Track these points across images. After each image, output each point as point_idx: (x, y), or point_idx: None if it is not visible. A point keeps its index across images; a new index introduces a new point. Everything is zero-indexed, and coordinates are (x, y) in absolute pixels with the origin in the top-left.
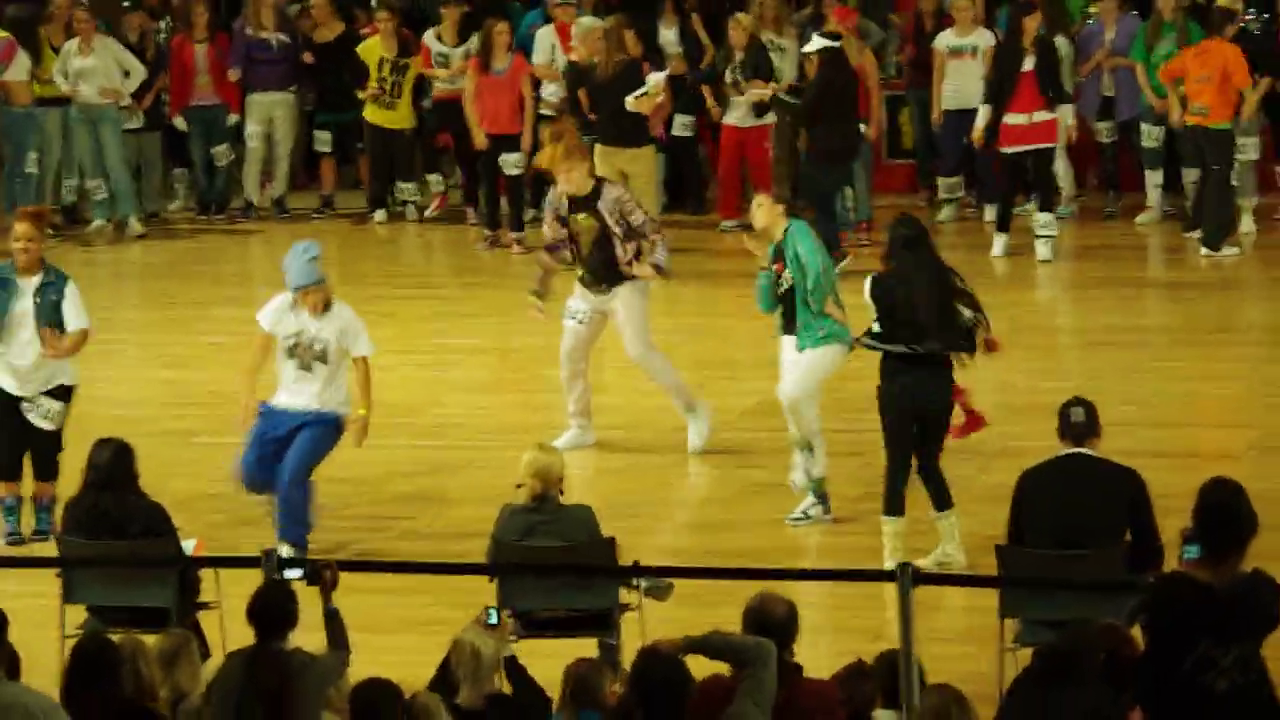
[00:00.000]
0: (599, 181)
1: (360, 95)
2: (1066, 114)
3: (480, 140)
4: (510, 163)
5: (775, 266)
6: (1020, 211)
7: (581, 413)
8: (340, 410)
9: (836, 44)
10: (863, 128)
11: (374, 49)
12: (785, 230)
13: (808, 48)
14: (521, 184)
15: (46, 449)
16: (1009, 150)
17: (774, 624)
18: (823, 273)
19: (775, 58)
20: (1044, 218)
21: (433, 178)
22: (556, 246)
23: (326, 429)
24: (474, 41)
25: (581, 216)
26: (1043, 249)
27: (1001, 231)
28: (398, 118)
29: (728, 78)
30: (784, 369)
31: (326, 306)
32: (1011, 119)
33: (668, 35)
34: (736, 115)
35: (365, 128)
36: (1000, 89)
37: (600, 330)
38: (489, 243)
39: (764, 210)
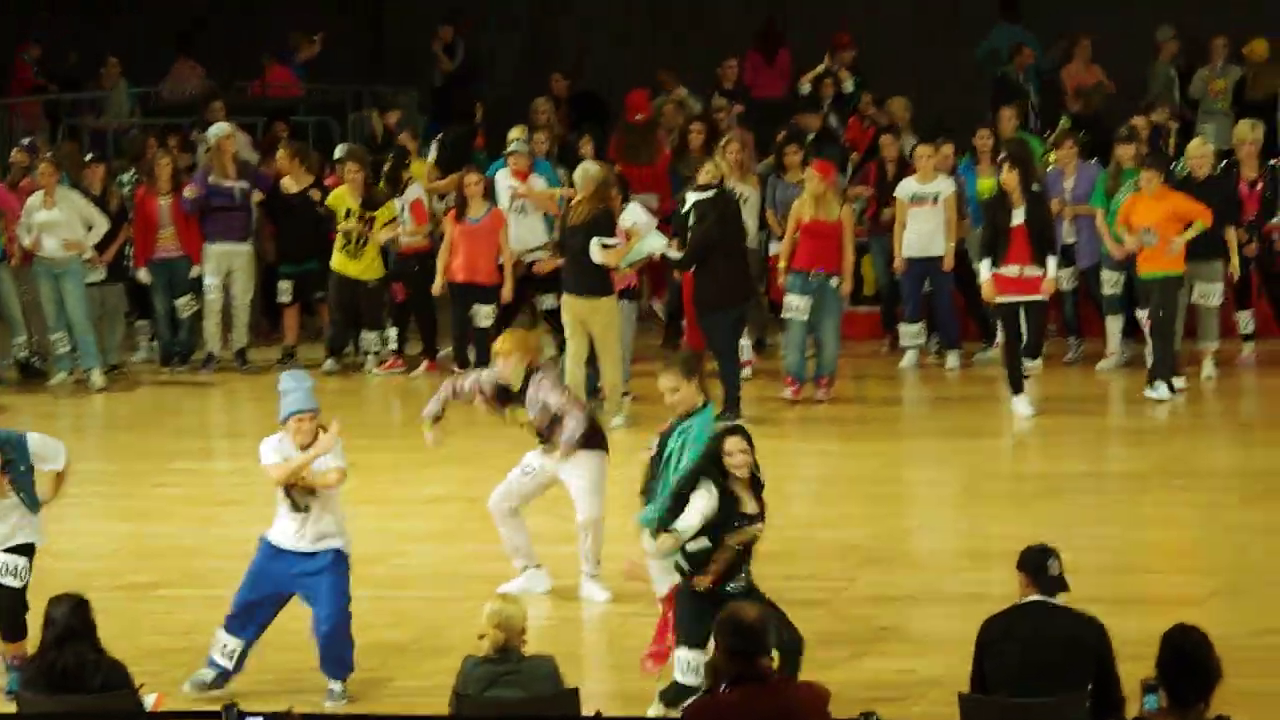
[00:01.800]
0: (529, 374)
1: (332, 240)
2: (1051, 266)
3: (438, 287)
4: (481, 315)
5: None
6: (978, 359)
7: (522, 553)
8: (337, 542)
9: (712, 194)
10: (834, 281)
11: (342, 198)
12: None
13: (684, 207)
14: (492, 336)
15: (9, 607)
16: (1003, 300)
17: (744, 628)
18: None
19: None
20: (1033, 364)
21: (390, 332)
22: (460, 394)
23: (338, 568)
24: (412, 193)
25: (513, 410)
26: (1021, 405)
27: (1018, 393)
28: (362, 267)
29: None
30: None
31: (313, 439)
32: (1004, 270)
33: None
34: None
35: (331, 276)
36: (994, 244)
37: (545, 489)
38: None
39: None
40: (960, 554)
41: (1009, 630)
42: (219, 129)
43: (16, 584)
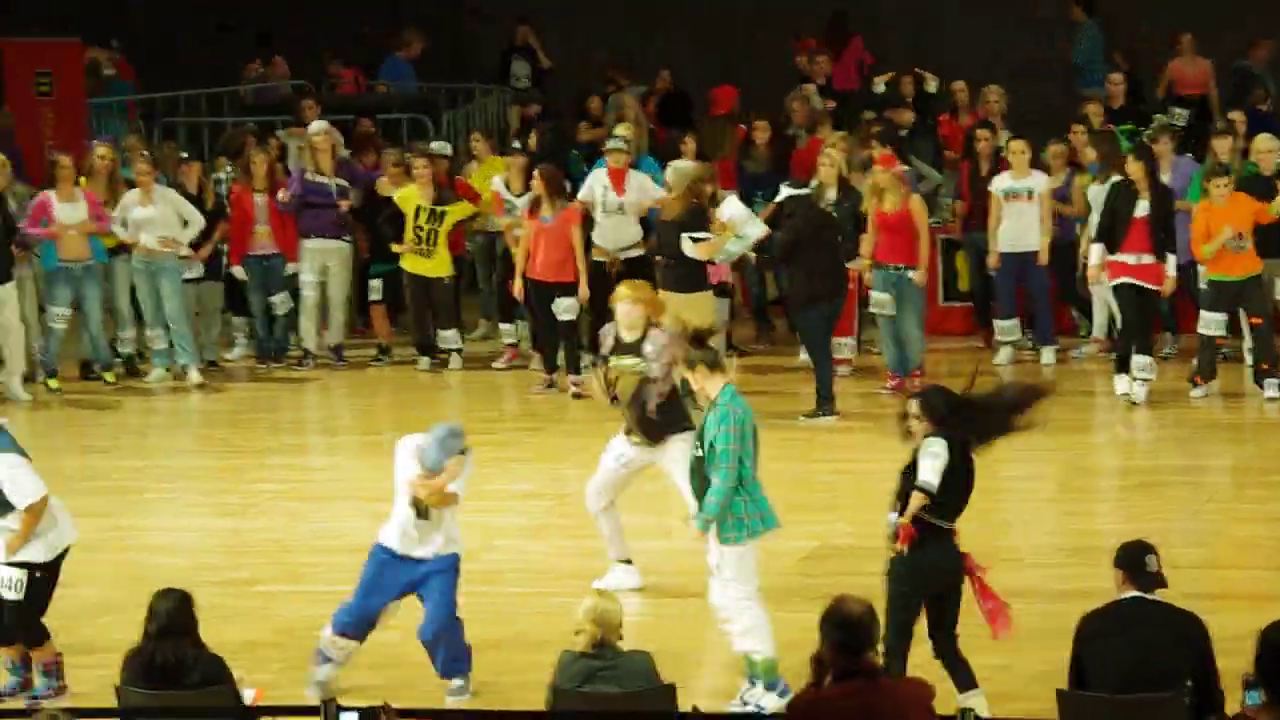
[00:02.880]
0: (649, 328)
1: (396, 249)
2: (1170, 264)
3: (517, 289)
4: (562, 308)
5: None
6: (1075, 354)
7: (616, 546)
8: (456, 549)
9: (805, 191)
10: (912, 273)
11: (411, 197)
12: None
13: (779, 197)
14: (575, 328)
15: (16, 619)
16: (1115, 281)
17: (850, 622)
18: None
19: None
20: (1141, 360)
21: (505, 328)
22: None
23: (451, 572)
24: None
25: (619, 358)
26: (1139, 391)
27: (1124, 370)
28: (435, 265)
29: None
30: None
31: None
32: (1120, 257)
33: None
34: None
35: (404, 277)
36: (1112, 231)
37: (636, 477)
38: (545, 386)
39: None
40: (1057, 549)
41: (1107, 626)
42: (317, 127)
43: (14, 596)
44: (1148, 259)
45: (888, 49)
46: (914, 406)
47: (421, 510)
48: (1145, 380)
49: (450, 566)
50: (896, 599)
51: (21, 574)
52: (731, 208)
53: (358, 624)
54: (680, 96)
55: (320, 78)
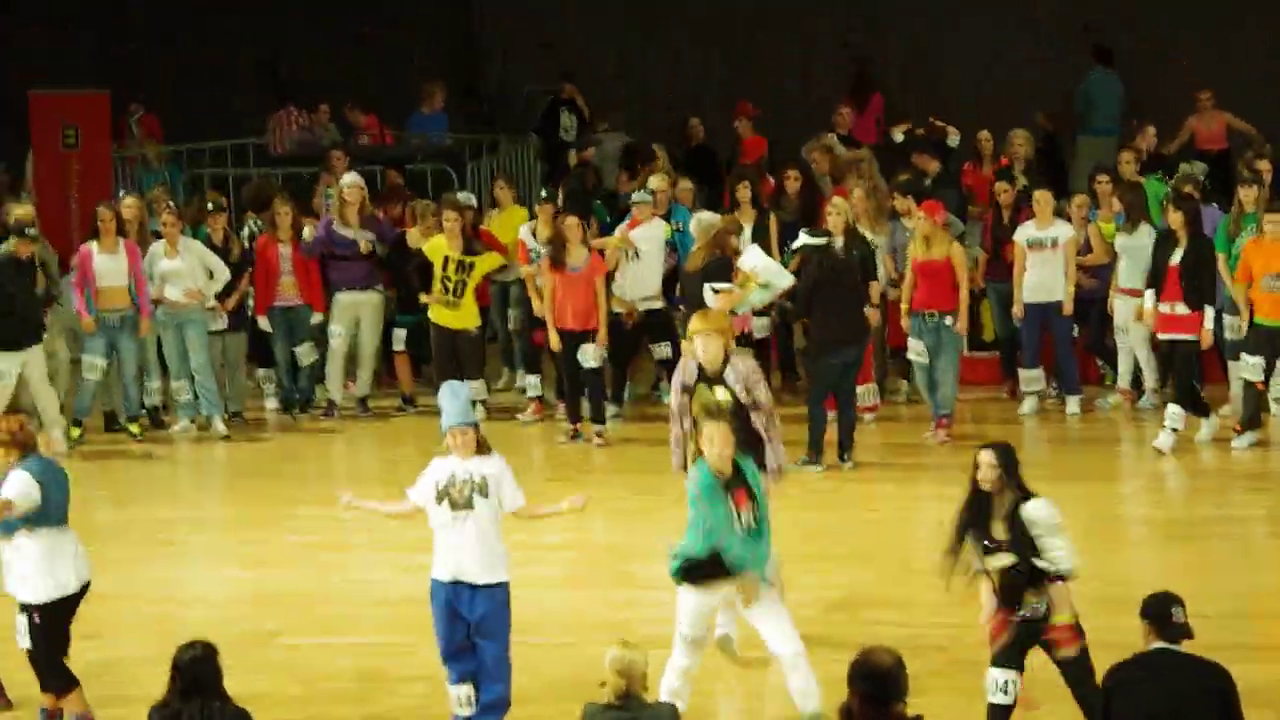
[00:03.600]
0: (728, 357)
1: (424, 299)
2: (1206, 316)
3: (554, 341)
4: (589, 356)
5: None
6: (1100, 404)
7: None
8: (504, 571)
9: (822, 241)
10: (949, 320)
11: (439, 247)
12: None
13: (795, 245)
14: (600, 377)
15: (35, 664)
16: (1160, 336)
17: (879, 674)
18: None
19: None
20: (1174, 410)
21: (531, 380)
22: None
23: (504, 606)
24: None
25: (703, 389)
26: (1164, 439)
27: (1200, 415)
28: (462, 317)
29: None
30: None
31: (478, 452)
32: (1161, 307)
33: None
34: None
35: (431, 328)
36: (1155, 277)
37: None
38: (570, 436)
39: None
40: (1084, 600)
41: (1134, 677)
42: (350, 180)
43: (23, 643)
44: (1181, 309)
45: (887, 48)
46: (989, 456)
47: (456, 501)
48: (1175, 430)
49: (501, 603)
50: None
51: (23, 618)
52: (754, 258)
53: (454, 667)
54: (708, 150)
55: (341, 126)
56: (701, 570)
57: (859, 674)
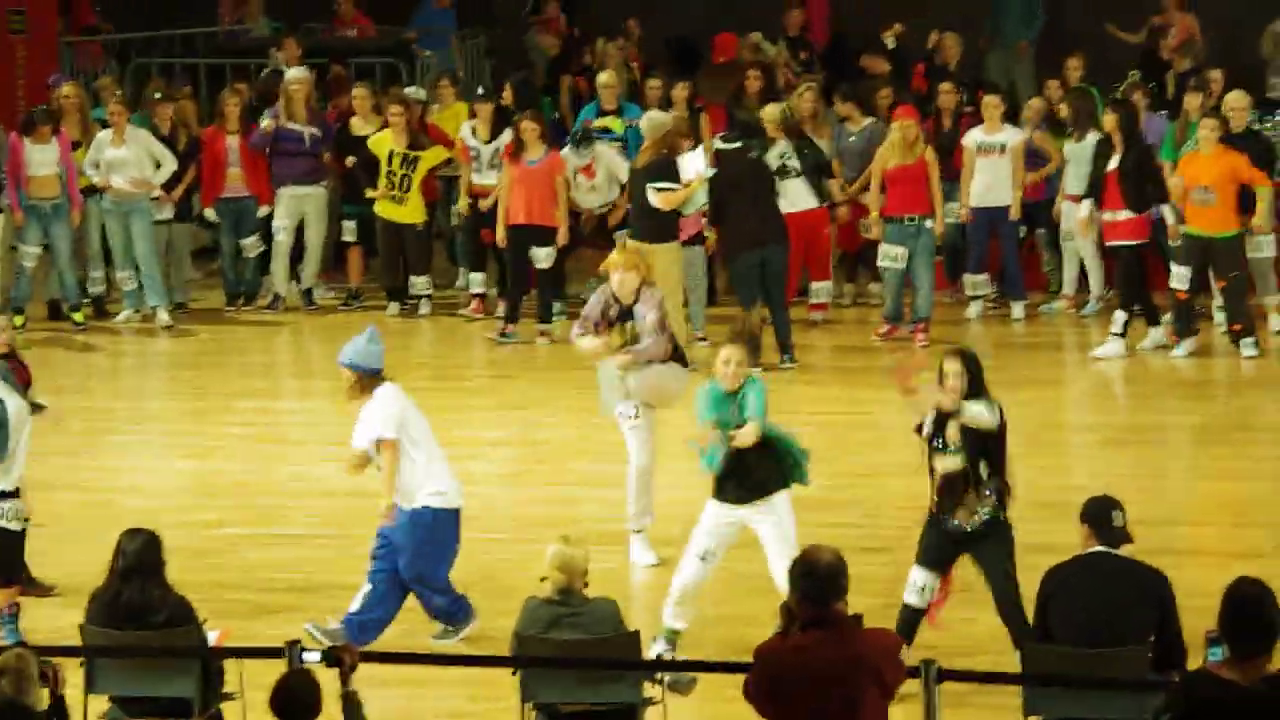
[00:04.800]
0: (640, 291)
1: (369, 194)
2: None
3: (500, 236)
4: (540, 256)
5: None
6: (1044, 309)
7: (644, 514)
8: (416, 500)
9: (734, 145)
10: (929, 223)
11: (384, 141)
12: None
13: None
14: (551, 277)
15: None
16: (1108, 244)
17: (819, 572)
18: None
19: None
20: (1118, 315)
21: (475, 276)
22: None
23: (411, 529)
24: (507, 135)
25: (621, 327)
26: (1107, 347)
27: (1150, 323)
28: (408, 212)
29: (773, 163)
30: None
31: (360, 391)
32: (1106, 215)
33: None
34: (788, 201)
35: (377, 222)
36: (1093, 185)
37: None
38: (500, 334)
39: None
40: (1023, 504)
41: (1072, 581)
42: (295, 74)
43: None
44: (1122, 215)
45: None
46: (955, 364)
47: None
48: (1118, 336)
49: (407, 521)
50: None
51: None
52: (694, 164)
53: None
54: (686, 43)
55: (295, 20)
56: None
57: (799, 572)
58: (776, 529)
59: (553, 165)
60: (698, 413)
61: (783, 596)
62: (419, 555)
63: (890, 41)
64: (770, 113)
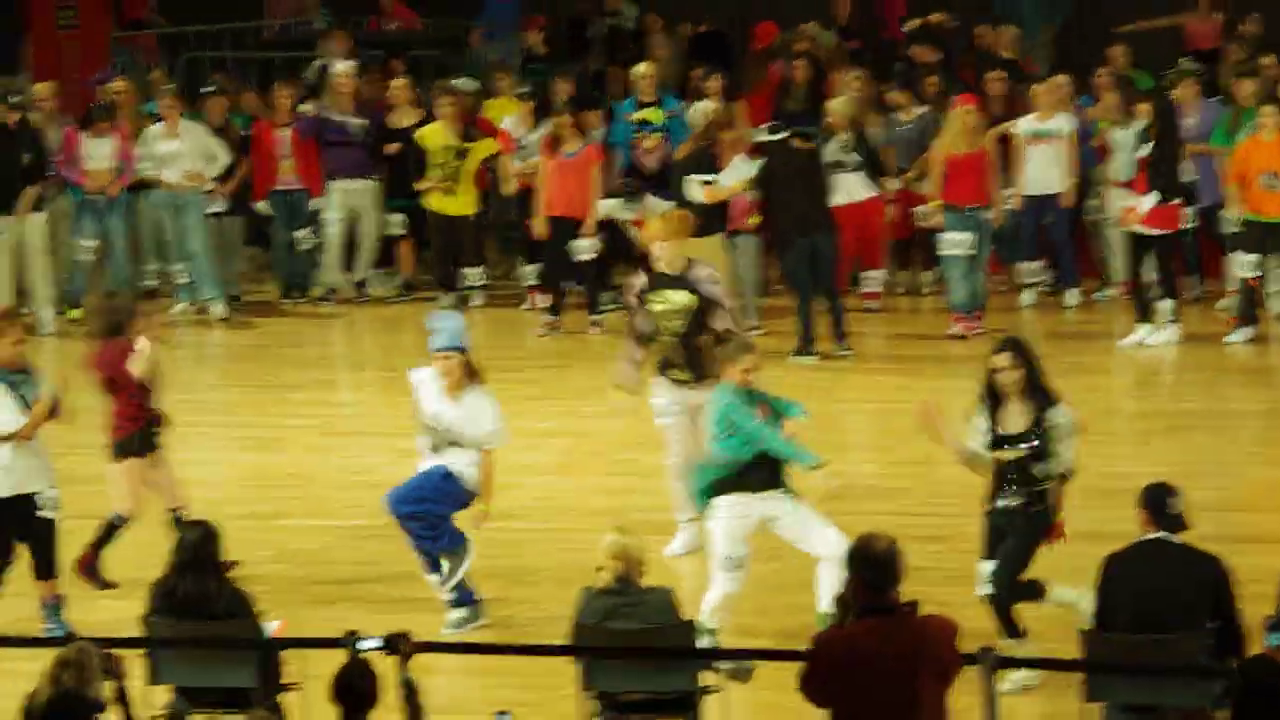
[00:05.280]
0: (690, 261)
1: (419, 186)
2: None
3: (539, 228)
4: (580, 249)
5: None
6: (1098, 296)
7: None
8: (452, 466)
9: (778, 136)
10: (988, 214)
11: (435, 134)
12: None
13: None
14: (596, 267)
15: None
16: (1127, 230)
17: (876, 559)
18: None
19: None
20: (1164, 305)
21: (528, 269)
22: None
23: (429, 477)
24: (548, 126)
25: (662, 293)
26: (1158, 334)
27: (1140, 321)
28: (459, 204)
29: (832, 156)
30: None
31: (461, 389)
32: (1144, 202)
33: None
34: (845, 193)
35: (428, 215)
36: (1134, 173)
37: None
38: (549, 328)
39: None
40: (1080, 491)
41: (1130, 567)
42: (342, 67)
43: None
44: (1147, 202)
45: None
46: (1004, 359)
47: (436, 444)
48: (1172, 323)
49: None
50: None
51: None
52: (738, 172)
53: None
54: (715, 34)
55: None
56: (728, 484)
57: (857, 559)
58: (797, 512)
59: (589, 157)
60: (724, 415)
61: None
62: (439, 500)
63: (912, 25)
64: (839, 106)
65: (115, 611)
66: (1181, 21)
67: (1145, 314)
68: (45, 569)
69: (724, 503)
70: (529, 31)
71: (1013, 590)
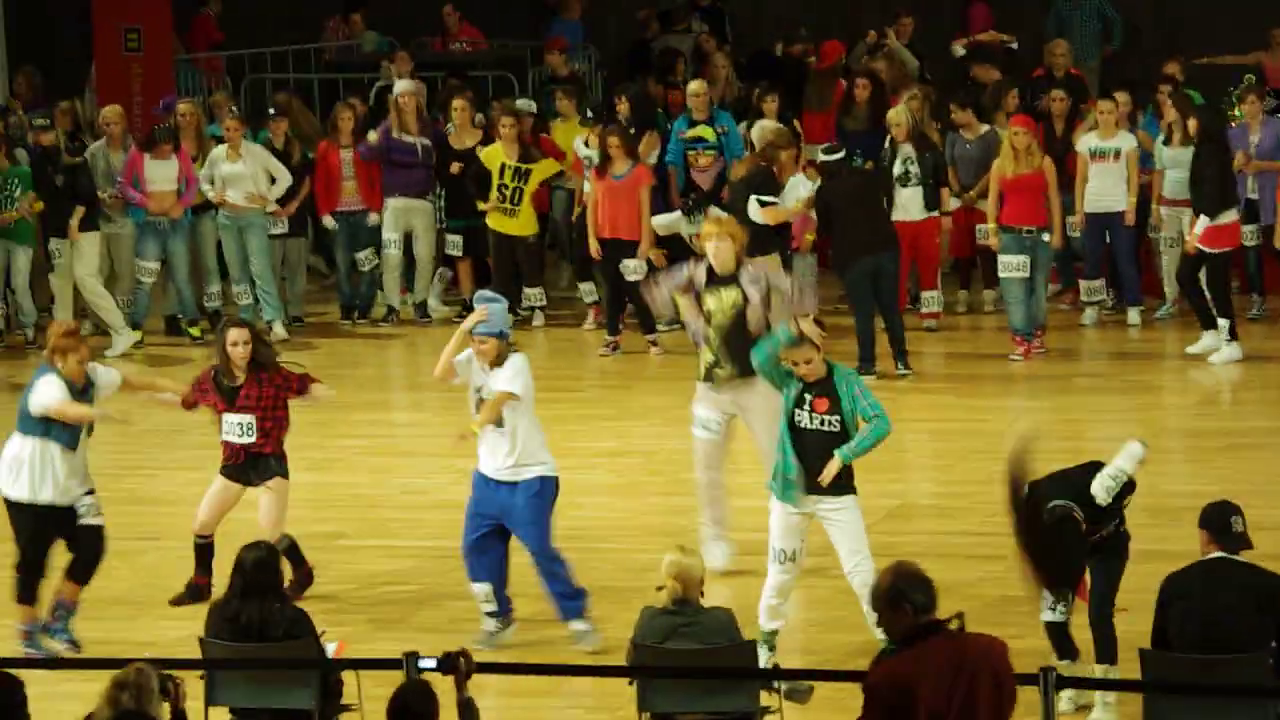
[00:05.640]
0: (741, 261)
1: (482, 207)
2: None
3: (594, 248)
4: (630, 269)
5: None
6: (1161, 314)
7: (719, 521)
8: (539, 469)
9: (836, 156)
10: (1046, 236)
11: (496, 155)
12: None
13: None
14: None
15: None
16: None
17: (925, 580)
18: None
19: (915, 165)
20: (1221, 323)
21: (584, 287)
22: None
23: (535, 497)
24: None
25: (717, 291)
26: (1218, 353)
27: (1206, 328)
28: (520, 224)
29: (897, 169)
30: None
31: (500, 361)
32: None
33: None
34: (901, 209)
35: (489, 235)
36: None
37: (732, 434)
38: (610, 348)
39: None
40: (1141, 510)
41: (1191, 587)
42: (403, 86)
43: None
44: (1200, 223)
45: None
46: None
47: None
48: (1228, 341)
49: (538, 490)
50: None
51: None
52: (800, 189)
53: (472, 564)
54: (767, 53)
55: (408, 35)
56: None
57: (901, 586)
58: (848, 528)
59: (638, 179)
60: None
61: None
62: (542, 527)
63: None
64: (896, 117)
65: (173, 631)
66: (1256, 60)
67: (1208, 320)
68: (83, 574)
69: (779, 503)
70: (550, 54)
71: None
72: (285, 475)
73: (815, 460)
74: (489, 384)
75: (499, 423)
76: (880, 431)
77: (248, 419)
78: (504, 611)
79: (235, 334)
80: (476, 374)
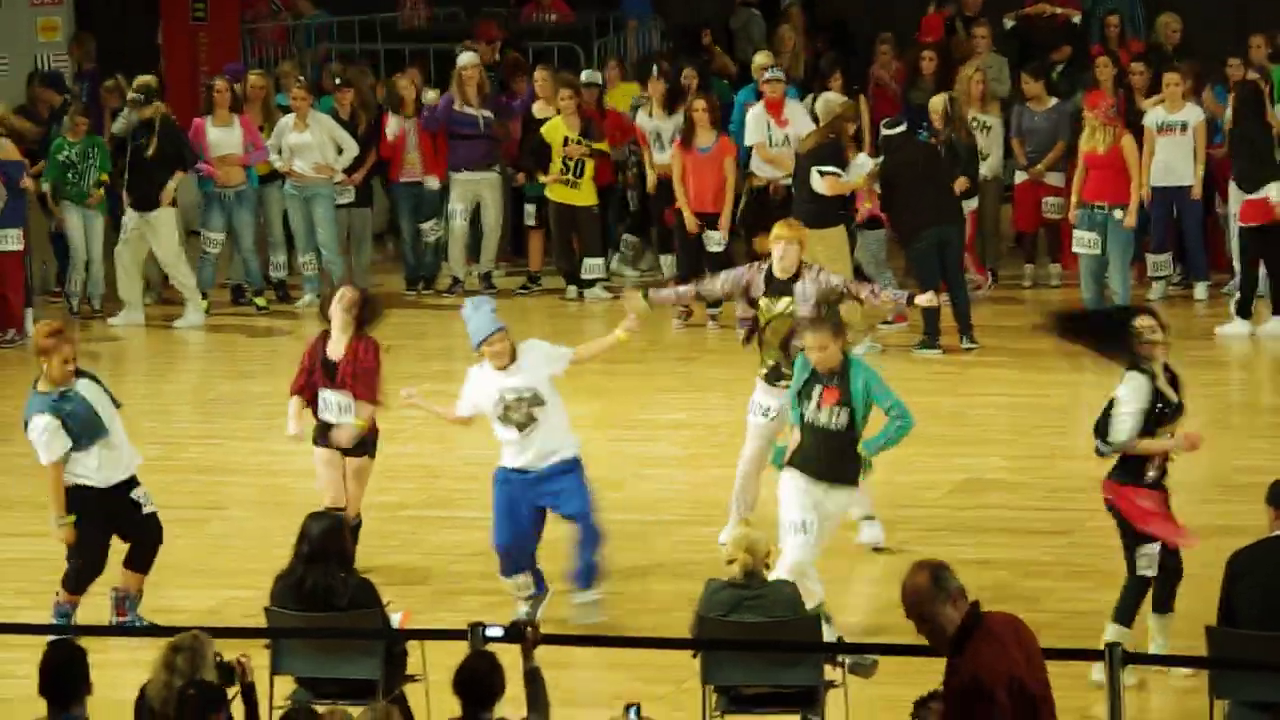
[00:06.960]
0: (802, 267)
1: (542, 179)
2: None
3: (691, 223)
4: (713, 240)
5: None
6: (1228, 289)
7: (749, 506)
8: (572, 450)
9: (898, 130)
10: (1119, 213)
11: (557, 128)
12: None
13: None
14: (724, 262)
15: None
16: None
17: (949, 572)
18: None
19: (980, 136)
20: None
21: (665, 258)
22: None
23: (575, 473)
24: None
25: (772, 299)
26: (1272, 325)
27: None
28: (581, 195)
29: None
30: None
31: (512, 358)
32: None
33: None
34: None
35: (550, 206)
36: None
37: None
38: (683, 318)
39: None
40: (1208, 485)
41: (1258, 563)
42: (466, 59)
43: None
44: (1252, 195)
45: None
46: (1150, 320)
47: (521, 421)
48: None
49: (570, 470)
50: None
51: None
52: (861, 167)
53: (508, 561)
54: (839, 24)
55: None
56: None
57: (938, 586)
58: (829, 525)
59: (723, 150)
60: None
61: None
62: (586, 494)
63: (1009, 23)
64: (935, 104)
65: (237, 600)
66: None
67: (1242, 308)
68: (142, 563)
69: (788, 474)
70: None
71: None
72: (373, 455)
73: (818, 453)
74: (510, 383)
75: (526, 424)
76: (905, 430)
77: (346, 399)
78: (540, 591)
79: (349, 294)
80: (490, 387)
